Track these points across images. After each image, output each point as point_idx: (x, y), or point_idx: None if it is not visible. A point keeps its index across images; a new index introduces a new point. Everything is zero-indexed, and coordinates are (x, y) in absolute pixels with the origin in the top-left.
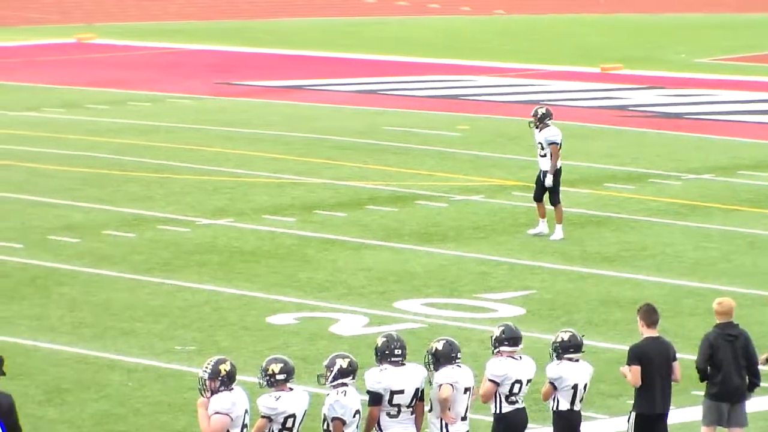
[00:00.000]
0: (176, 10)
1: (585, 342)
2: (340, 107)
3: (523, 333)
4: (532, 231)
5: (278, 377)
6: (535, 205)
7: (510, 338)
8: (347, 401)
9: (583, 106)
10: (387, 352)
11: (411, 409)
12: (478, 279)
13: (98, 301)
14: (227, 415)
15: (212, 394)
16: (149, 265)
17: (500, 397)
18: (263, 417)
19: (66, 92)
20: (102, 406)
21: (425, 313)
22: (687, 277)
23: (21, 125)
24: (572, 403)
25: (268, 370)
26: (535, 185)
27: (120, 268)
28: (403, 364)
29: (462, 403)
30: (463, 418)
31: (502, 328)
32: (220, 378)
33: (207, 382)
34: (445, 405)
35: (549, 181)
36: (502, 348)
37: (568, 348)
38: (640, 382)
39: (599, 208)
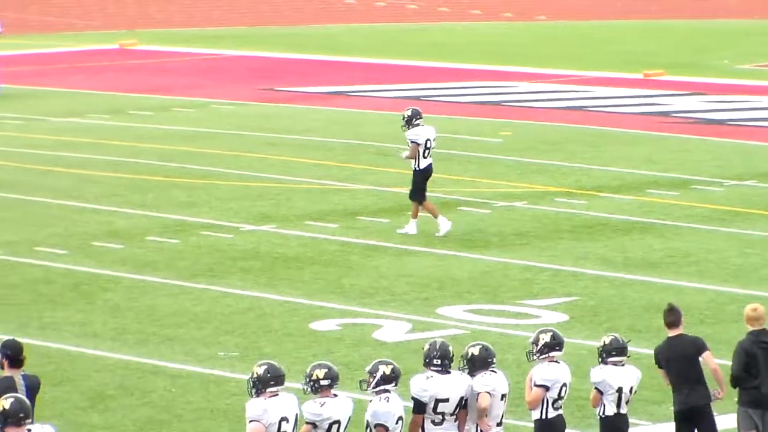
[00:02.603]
0: (219, 16)
1: (628, 348)
2: (382, 113)
3: (566, 339)
4: (441, 232)
5: (322, 383)
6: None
7: (559, 343)
8: (390, 407)
9: (625, 112)
10: (428, 360)
11: (455, 416)
12: (521, 285)
13: (142, 307)
14: (258, 422)
15: (254, 395)
16: (193, 271)
17: (547, 402)
18: (308, 423)
19: (110, 98)
20: (145, 412)
21: (468, 320)
22: (730, 284)
23: (66, 131)
24: (618, 406)
25: (312, 376)
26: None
27: (163, 274)
28: (449, 372)
29: (498, 409)
30: (499, 424)
31: (551, 333)
32: (251, 381)
33: (248, 381)
34: (483, 413)
35: (405, 154)
36: (551, 353)
37: (611, 351)
38: (666, 382)
39: (642, 214)
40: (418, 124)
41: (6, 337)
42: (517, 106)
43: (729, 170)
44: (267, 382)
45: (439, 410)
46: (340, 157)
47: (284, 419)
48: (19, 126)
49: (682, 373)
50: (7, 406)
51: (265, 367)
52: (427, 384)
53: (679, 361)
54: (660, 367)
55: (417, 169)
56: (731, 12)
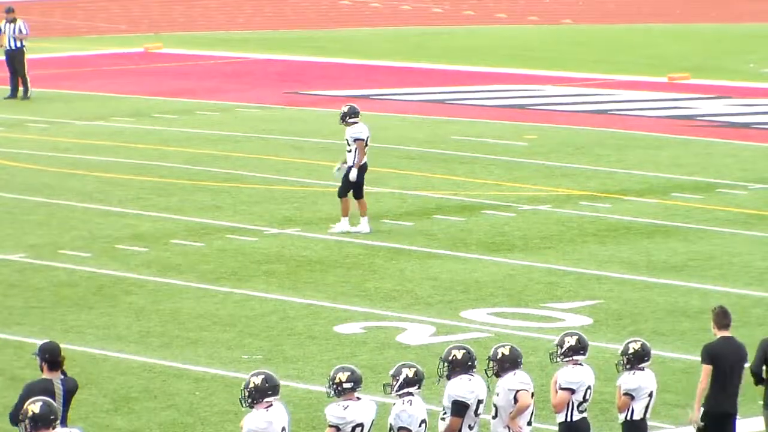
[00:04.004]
0: (244, 19)
1: (652, 351)
2: (407, 117)
3: (590, 343)
4: (335, 229)
5: (345, 386)
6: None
7: (584, 347)
8: (413, 410)
9: (650, 116)
10: (470, 363)
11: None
12: (545, 289)
13: (166, 310)
14: None
15: (247, 405)
16: (217, 274)
17: (572, 405)
18: (331, 426)
19: (135, 101)
20: (169, 415)
21: (492, 323)
22: (754, 287)
23: (91, 134)
24: (645, 412)
25: (335, 379)
26: (341, 182)
27: (188, 277)
28: (474, 375)
29: (529, 408)
30: (528, 423)
31: (577, 337)
32: (248, 390)
33: (242, 391)
34: (523, 411)
35: (353, 175)
36: (575, 356)
37: (642, 357)
38: (706, 383)
39: (666, 217)
40: (356, 122)
41: (32, 340)
42: (542, 109)
43: (753, 173)
44: (265, 392)
45: (479, 412)
46: None
47: (283, 429)
48: (43, 129)
49: (730, 374)
50: (36, 410)
51: (263, 376)
52: (471, 386)
53: (732, 360)
54: (708, 363)
55: (363, 164)
56: (757, 16)
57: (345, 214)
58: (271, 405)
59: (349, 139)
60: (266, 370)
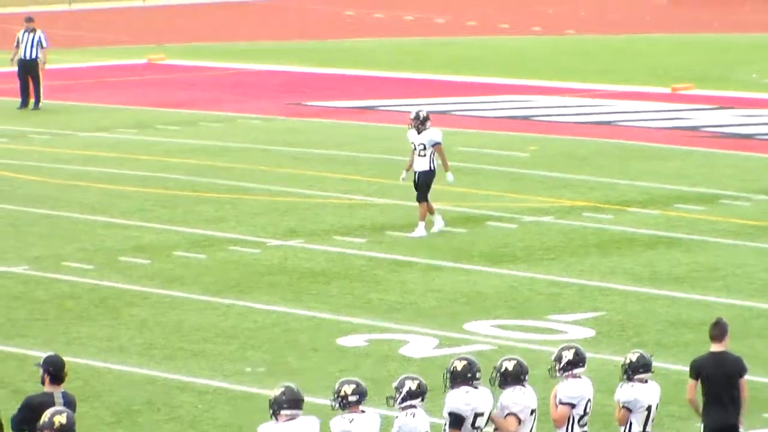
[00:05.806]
0: (247, 31)
1: (655, 363)
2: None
3: (593, 355)
4: (415, 234)
5: (350, 399)
6: (418, 206)
7: (582, 360)
8: (416, 423)
9: (653, 127)
10: (469, 375)
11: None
12: (548, 300)
13: (168, 322)
14: None
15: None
16: (220, 286)
17: (573, 420)
18: None
19: (137, 113)
20: (172, 427)
21: (495, 335)
22: (757, 299)
23: (94, 146)
24: (645, 424)
25: (340, 392)
26: (415, 189)
27: (190, 289)
28: (477, 388)
29: (528, 424)
30: None
31: (574, 350)
32: (269, 401)
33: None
34: None
35: (450, 177)
36: (575, 370)
37: (638, 368)
38: (691, 396)
39: (669, 228)
40: (429, 126)
41: (35, 353)
42: (544, 120)
43: (757, 184)
44: (281, 404)
45: (477, 425)
46: (368, 172)
47: None
48: (46, 141)
49: (720, 391)
50: (63, 421)
51: (283, 389)
52: (468, 398)
53: (719, 378)
54: (695, 379)
55: (434, 169)
56: (760, 26)
57: (422, 219)
58: (292, 419)
59: (426, 143)
60: (291, 384)
